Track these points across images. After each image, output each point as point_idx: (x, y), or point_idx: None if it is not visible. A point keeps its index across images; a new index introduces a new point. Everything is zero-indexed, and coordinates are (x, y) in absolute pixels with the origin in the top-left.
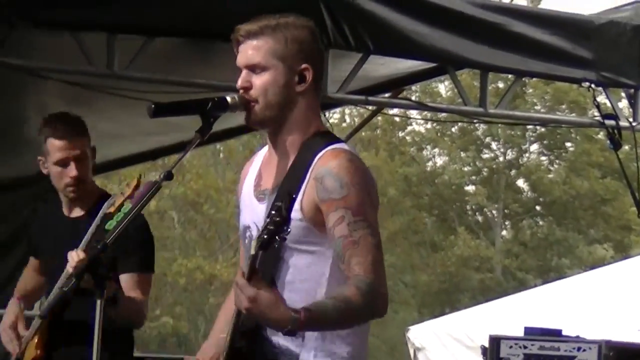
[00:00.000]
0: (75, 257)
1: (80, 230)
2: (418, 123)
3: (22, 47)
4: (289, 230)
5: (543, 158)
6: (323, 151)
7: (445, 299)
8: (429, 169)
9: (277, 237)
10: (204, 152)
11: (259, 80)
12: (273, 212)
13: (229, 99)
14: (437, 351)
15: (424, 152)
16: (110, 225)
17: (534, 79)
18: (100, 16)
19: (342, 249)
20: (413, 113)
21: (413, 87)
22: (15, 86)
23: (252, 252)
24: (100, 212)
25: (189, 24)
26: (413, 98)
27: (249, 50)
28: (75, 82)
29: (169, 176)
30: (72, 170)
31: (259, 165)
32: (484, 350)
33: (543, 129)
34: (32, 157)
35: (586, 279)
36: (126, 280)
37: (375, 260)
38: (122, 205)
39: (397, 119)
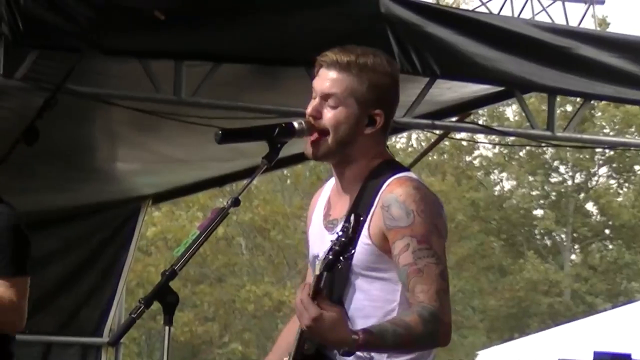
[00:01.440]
0: None
1: None
2: (485, 147)
3: (90, 75)
4: (353, 250)
5: (612, 181)
6: (389, 179)
7: (514, 324)
8: (496, 193)
9: (341, 258)
10: (271, 178)
11: (331, 113)
12: (340, 233)
13: (296, 124)
14: None
15: (492, 177)
16: (178, 251)
17: (602, 102)
18: (167, 43)
19: (407, 277)
20: (480, 137)
21: (480, 111)
22: (82, 114)
23: (317, 272)
24: None
25: (255, 50)
26: (480, 122)
27: (330, 80)
28: (142, 109)
29: (236, 202)
30: None
31: (328, 195)
32: None
33: (612, 152)
34: (100, 185)
35: None
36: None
37: (439, 289)
38: None
39: (464, 143)
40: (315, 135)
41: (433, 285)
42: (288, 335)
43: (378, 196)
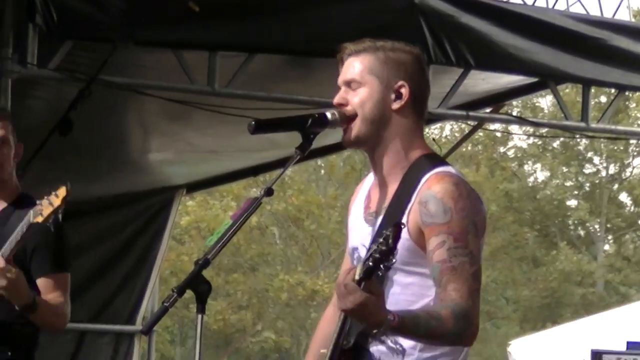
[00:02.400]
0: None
1: None
2: (520, 138)
3: (124, 66)
4: (394, 260)
5: None
6: (428, 174)
7: (547, 314)
8: (530, 184)
9: (381, 266)
10: (305, 168)
11: (354, 96)
12: (380, 240)
13: (329, 115)
14: None
15: (525, 168)
16: (211, 240)
17: (637, 93)
18: (200, 34)
19: (440, 274)
20: (514, 128)
21: (514, 102)
22: (116, 105)
23: (357, 277)
24: (26, 220)
25: (289, 41)
26: (514, 113)
27: (348, 68)
28: (176, 100)
29: (269, 192)
30: None
31: (369, 188)
32: None
33: None
34: (134, 175)
35: None
36: (43, 283)
37: (471, 289)
38: (51, 216)
39: (498, 134)
40: (346, 123)
41: (466, 285)
42: (325, 327)
43: (416, 192)
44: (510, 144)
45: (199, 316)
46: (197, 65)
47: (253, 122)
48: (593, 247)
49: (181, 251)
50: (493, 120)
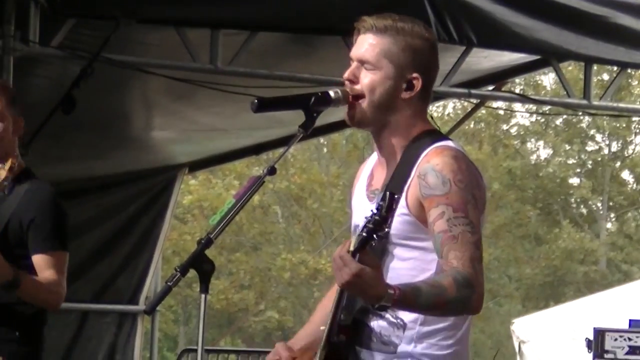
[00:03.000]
0: None
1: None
2: (523, 116)
3: (127, 44)
4: (387, 229)
5: None
6: (428, 149)
7: (549, 292)
8: (533, 162)
9: (375, 236)
10: (308, 147)
11: (367, 77)
12: (374, 211)
13: (332, 93)
14: (542, 344)
15: (528, 145)
16: (214, 220)
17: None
18: (203, 12)
19: (441, 244)
20: (517, 106)
21: (517, 80)
22: (119, 82)
23: (351, 248)
24: None
25: (292, 19)
26: (517, 91)
27: (366, 44)
28: (179, 78)
29: (272, 171)
30: None
31: (372, 166)
32: (589, 343)
33: None
34: (136, 154)
35: None
36: (38, 260)
37: (473, 256)
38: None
39: (500, 112)
40: (351, 100)
41: (467, 253)
42: (325, 306)
43: (416, 166)
44: (513, 121)
45: (202, 296)
46: (200, 43)
47: (256, 100)
48: (595, 225)
49: (184, 230)
50: (495, 98)
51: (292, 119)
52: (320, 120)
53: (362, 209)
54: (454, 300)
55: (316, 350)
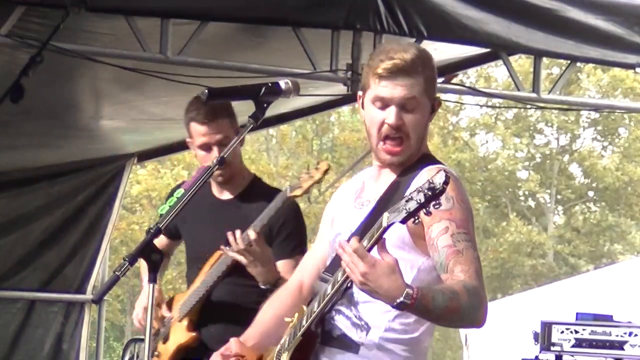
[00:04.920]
0: (251, 236)
1: (229, 213)
2: (473, 108)
3: (77, 33)
4: (418, 220)
5: (596, 144)
6: (428, 167)
7: (497, 285)
8: (482, 154)
9: (425, 210)
10: (257, 137)
11: (411, 117)
12: (420, 186)
13: (282, 84)
14: (489, 336)
15: (477, 138)
16: (163, 209)
17: (589, 65)
18: (153, 1)
19: (446, 258)
20: (467, 98)
21: (468, 72)
22: (68, 71)
23: (365, 244)
24: (281, 195)
25: (243, 9)
26: (468, 82)
27: (403, 87)
28: (129, 68)
29: (221, 161)
30: (215, 155)
31: (363, 180)
32: (536, 335)
33: (597, 115)
34: (85, 143)
35: (638, 264)
36: (284, 265)
37: (477, 271)
38: (310, 188)
39: (450, 104)
40: (398, 141)
41: (472, 266)
42: (275, 308)
43: (414, 180)
44: (463, 114)
45: (151, 285)
46: (149, 32)
47: (206, 90)
48: (543, 218)
49: (132, 220)
50: (445, 91)
51: (242, 110)
52: (270, 111)
53: (345, 217)
54: (466, 307)
55: (269, 347)
